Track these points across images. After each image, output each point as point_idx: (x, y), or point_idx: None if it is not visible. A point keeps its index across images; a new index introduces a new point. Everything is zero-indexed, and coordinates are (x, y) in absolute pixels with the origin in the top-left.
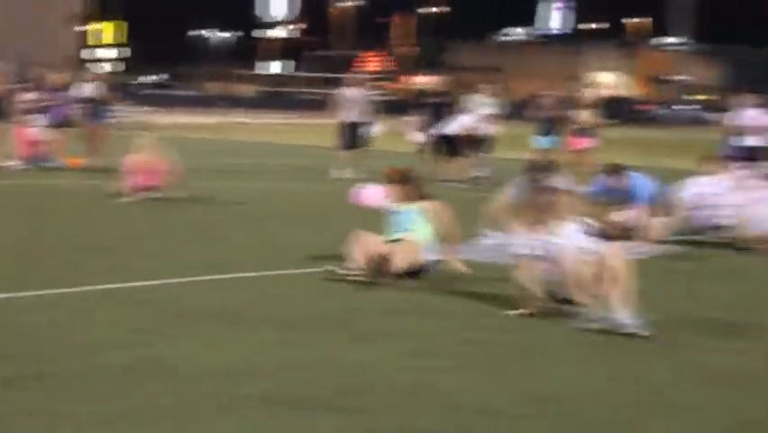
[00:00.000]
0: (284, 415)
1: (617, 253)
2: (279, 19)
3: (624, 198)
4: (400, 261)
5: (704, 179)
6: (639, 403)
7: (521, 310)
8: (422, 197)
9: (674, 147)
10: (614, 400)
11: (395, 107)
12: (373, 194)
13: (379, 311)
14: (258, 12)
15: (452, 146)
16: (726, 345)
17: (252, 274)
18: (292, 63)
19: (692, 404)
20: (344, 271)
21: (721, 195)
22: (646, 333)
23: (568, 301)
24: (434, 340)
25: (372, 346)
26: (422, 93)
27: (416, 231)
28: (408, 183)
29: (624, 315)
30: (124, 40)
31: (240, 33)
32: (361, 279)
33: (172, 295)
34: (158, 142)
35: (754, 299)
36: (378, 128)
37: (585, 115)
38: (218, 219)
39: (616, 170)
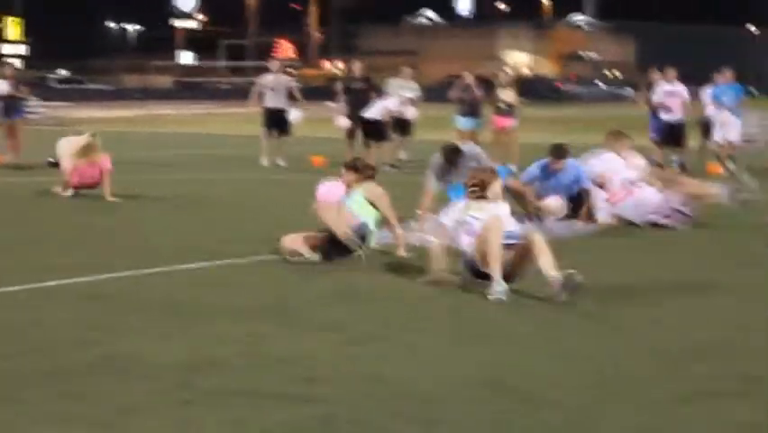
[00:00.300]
0: (243, 406)
1: (538, 237)
2: (192, 8)
3: (561, 181)
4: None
5: (608, 156)
6: (596, 384)
7: (429, 277)
8: (366, 180)
9: (592, 123)
10: (564, 380)
11: (312, 93)
12: (331, 190)
13: (320, 299)
14: (171, 2)
15: (377, 130)
16: (665, 316)
17: (195, 265)
18: (208, 53)
19: (640, 377)
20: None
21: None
22: (563, 298)
23: (485, 276)
24: (376, 327)
25: (318, 336)
26: (342, 79)
27: (362, 215)
28: (357, 170)
29: (554, 277)
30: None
31: (154, 24)
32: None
33: (121, 289)
34: (94, 137)
35: (688, 266)
36: (299, 114)
37: (506, 95)
38: (155, 212)
39: (559, 152)
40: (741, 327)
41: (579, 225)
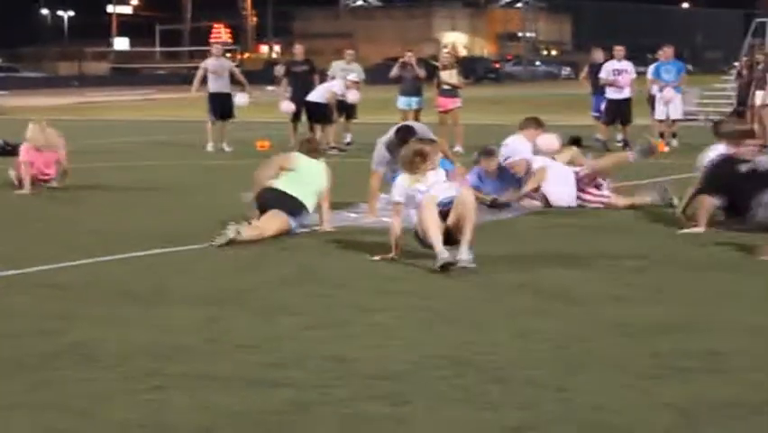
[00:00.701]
0: (215, 392)
1: (468, 196)
2: None
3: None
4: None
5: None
6: (563, 361)
7: (382, 256)
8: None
9: (532, 103)
10: (531, 358)
11: (251, 77)
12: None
13: (279, 283)
14: None
15: (321, 113)
16: (627, 293)
17: (151, 252)
18: (143, 39)
19: (605, 353)
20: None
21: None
22: (473, 265)
23: (429, 246)
24: (337, 310)
25: (280, 320)
26: (283, 62)
27: (312, 184)
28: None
29: (463, 251)
30: None
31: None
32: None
33: (79, 278)
34: (47, 127)
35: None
36: (245, 98)
37: (448, 76)
38: (105, 201)
39: (488, 152)
40: (702, 303)
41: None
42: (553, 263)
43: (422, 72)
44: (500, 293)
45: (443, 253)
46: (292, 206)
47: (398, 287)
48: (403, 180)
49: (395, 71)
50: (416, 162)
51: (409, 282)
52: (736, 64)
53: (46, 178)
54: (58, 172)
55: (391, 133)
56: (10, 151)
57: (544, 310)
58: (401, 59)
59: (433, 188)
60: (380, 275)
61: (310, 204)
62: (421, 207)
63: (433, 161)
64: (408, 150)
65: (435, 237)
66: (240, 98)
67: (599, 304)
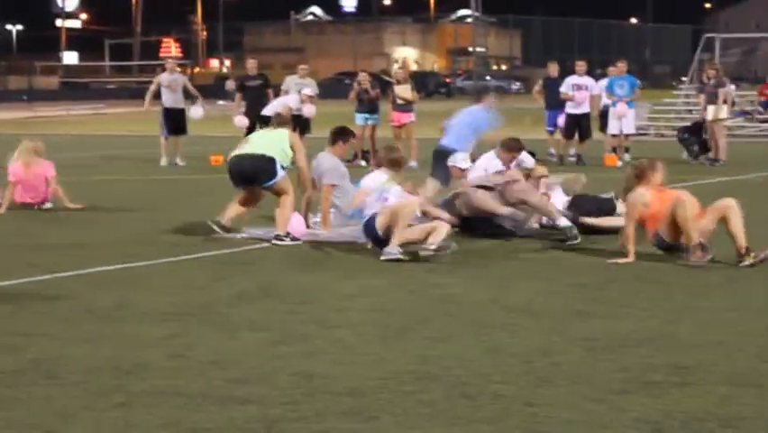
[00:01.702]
0: (181, 408)
1: (408, 201)
2: (75, 7)
3: None
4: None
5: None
6: (528, 375)
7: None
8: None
9: None
10: (497, 372)
11: (202, 92)
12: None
13: (241, 298)
14: (54, 2)
15: None
16: (591, 308)
17: (111, 268)
18: (92, 53)
19: (571, 368)
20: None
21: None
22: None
23: (380, 242)
24: (300, 325)
25: (243, 336)
26: (236, 77)
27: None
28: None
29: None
30: None
31: (37, 24)
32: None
33: (39, 293)
34: (39, 146)
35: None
36: (199, 111)
37: (402, 91)
38: (61, 216)
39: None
40: (664, 318)
41: None
42: (516, 279)
43: (377, 92)
44: (463, 308)
45: (395, 247)
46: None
47: (358, 304)
48: (380, 176)
49: (352, 94)
50: (398, 167)
51: (368, 298)
52: (684, 79)
53: (36, 200)
54: (50, 193)
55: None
56: None
57: (509, 325)
58: (357, 82)
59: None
60: (340, 292)
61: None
62: (402, 207)
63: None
64: (397, 154)
65: (400, 234)
66: (194, 111)
67: (565, 319)
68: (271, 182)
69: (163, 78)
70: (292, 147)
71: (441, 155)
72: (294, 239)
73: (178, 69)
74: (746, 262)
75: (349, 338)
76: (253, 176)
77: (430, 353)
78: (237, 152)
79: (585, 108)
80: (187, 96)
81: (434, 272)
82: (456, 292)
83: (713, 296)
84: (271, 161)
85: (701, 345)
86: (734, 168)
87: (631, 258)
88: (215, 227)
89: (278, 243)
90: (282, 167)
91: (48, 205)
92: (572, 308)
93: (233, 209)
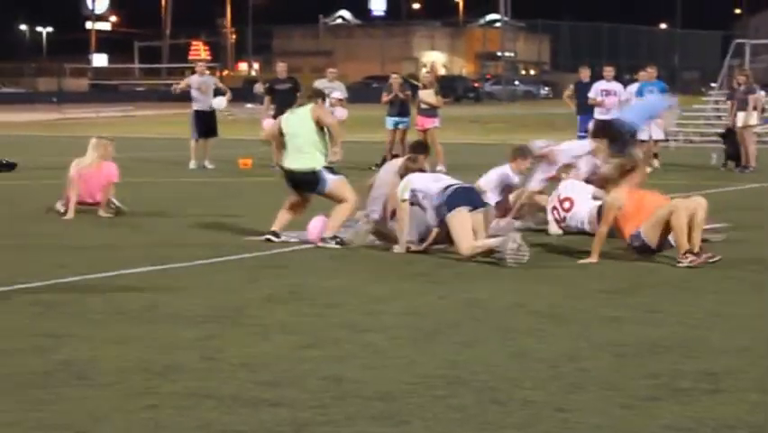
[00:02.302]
0: (212, 410)
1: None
2: (105, 10)
3: None
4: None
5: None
6: (551, 379)
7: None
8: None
9: (513, 122)
10: (525, 378)
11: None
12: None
13: (272, 301)
14: (84, 4)
15: None
16: (620, 314)
17: (142, 270)
18: (122, 55)
19: (599, 374)
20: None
21: None
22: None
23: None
24: (331, 329)
25: (274, 338)
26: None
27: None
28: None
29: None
30: None
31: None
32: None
33: (70, 296)
34: (110, 144)
35: None
36: (223, 101)
37: (426, 95)
38: (91, 218)
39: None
40: (693, 324)
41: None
42: (543, 284)
43: (407, 94)
44: (490, 312)
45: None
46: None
47: (388, 307)
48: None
49: (385, 97)
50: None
51: (398, 302)
52: (714, 85)
53: (92, 201)
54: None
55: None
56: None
57: (536, 330)
58: (388, 85)
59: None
60: (370, 294)
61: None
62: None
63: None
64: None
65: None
66: (219, 100)
67: (593, 324)
68: (323, 189)
69: (193, 80)
70: (318, 121)
71: None
72: (340, 243)
73: (208, 72)
74: (684, 263)
75: (380, 342)
76: (305, 186)
77: (459, 357)
78: (286, 164)
79: (613, 114)
80: (217, 93)
81: (462, 277)
82: (483, 297)
83: (741, 302)
84: (314, 173)
85: (730, 351)
86: (764, 174)
87: (595, 258)
88: (272, 237)
89: (324, 245)
90: (327, 168)
91: (100, 212)
92: (599, 313)
93: (283, 216)
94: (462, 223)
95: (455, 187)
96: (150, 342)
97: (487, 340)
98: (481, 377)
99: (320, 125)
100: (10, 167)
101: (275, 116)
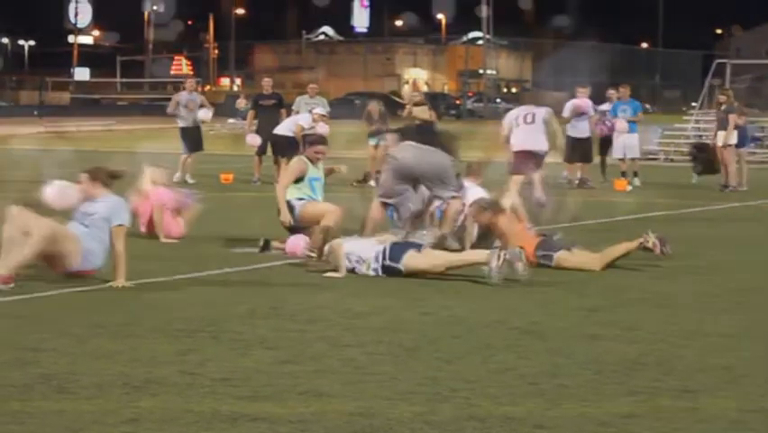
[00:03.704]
0: (192, 425)
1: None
2: (87, 24)
3: None
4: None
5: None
6: (531, 395)
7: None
8: None
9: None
10: (504, 392)
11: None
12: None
13: (251, 317)
14: (67, 18)
15: (288, 146)
16: (598, 331)
17: (120, 284)
18: (104, 69)
19: (582, 392)
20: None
21: None
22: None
23: None
24: (310, 345)
25: (253, 354)
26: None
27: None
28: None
29: None
30: None
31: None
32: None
33: (47, 310)
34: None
35: None
36: (207, 114)
37: (420, 112)
38: None
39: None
40: (674, 341)
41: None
42: (524, 301)
43: (387, 127)
44: (472, 329)
45: None
46: None
47: (369, 322)
48: None
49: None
50: None
51: (380, 318)
52: (695, 104)
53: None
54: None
55: None
56: None
57: (517, 346)
58: (368, 111)
59: None
60: (351, 310)
61: None
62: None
63: None
64: None
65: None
66: (204, 112)
67: (573, 341)
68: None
69: (182, 96)
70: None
71: None
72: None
73: (197, 90)
74: None
75: (360, 357)
76: None
77: (439, 373)
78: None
79: (586, 132)
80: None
81: (444, 294)
82: (464, 314)
83: (720, 321)
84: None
85: (708, 370)
86: (745, 194)
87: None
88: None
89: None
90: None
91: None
92: (579, 330)
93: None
94: (418, 259)
95: (389, 245)
96: (129, 356)
97: (467, 356)
98: (461, 393)
99: None
100: None
101: (258, 131)
